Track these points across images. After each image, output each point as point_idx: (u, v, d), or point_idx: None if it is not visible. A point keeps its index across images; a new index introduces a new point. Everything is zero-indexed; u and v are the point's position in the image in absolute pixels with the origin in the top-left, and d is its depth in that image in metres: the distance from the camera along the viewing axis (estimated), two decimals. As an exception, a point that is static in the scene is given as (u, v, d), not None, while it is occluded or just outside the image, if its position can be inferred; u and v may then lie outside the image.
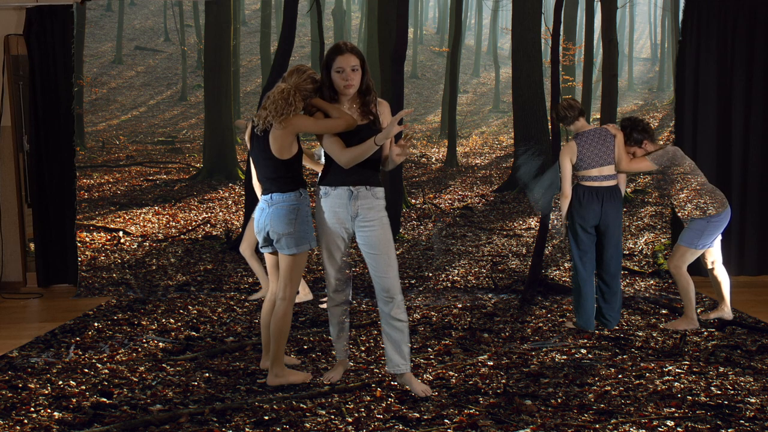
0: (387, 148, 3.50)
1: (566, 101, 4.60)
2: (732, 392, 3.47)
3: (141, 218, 6.45)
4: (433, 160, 6.72)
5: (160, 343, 4.47)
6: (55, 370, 3.97)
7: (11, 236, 6.29)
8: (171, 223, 6.48)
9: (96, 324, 4.95)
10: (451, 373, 3.83)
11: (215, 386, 3.68)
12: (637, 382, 3.64)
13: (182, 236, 6.42)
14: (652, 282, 5.90)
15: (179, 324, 4.94)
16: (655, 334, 4.51)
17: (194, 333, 4.71)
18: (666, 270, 5.88)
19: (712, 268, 4.75)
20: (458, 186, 6.59)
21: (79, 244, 6.22)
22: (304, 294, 5.49)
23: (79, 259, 6.19)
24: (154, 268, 6.18)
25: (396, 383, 3.63)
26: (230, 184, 6.64)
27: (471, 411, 3.28)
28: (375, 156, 3.48)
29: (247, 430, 3.12)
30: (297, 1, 6.28)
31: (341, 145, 3.38)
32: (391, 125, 3.25)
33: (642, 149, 4.58)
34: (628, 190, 6.10)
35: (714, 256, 4.72)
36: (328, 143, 3.42)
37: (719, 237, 4.66)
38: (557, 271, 6.01)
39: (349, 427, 3.13)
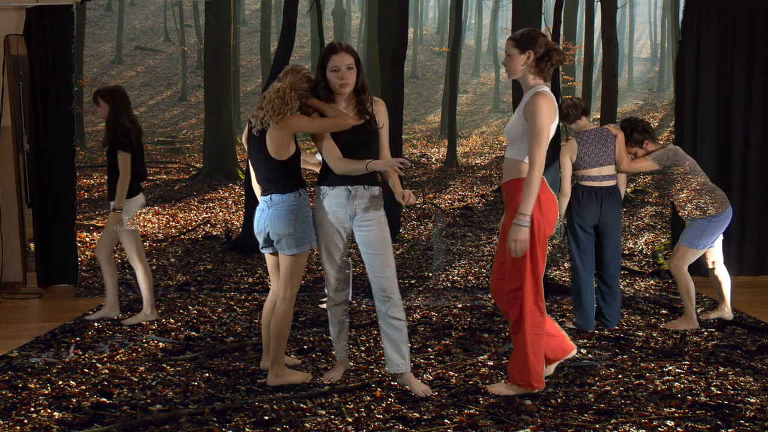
0: (385, 153, 3.53)
1: (571, 100, 4.61)
2: (732, 392, 3.47)
3: (141, 218, 6.45)
4: (433, 160, 6.72)
5: (160, 343, 4.47)
6: (55, 370, 3.97)
7: (11, 236, 6.29)
8: (171, 223, 6.48)
9: (96, 324, 4.95)
10: (451, 373, 3.83)
11: (215, 386, 3.68)
12: (637, 382, 3.64)
13: (182, 236, 6.42)
14: (652, 282, 5.90)
15: (179, 324, 4.94)
16: (655, 334, 4.51)
17: (194, 333, 4.71)
18: (666, 270, 5.88)
19: (713, 268, 4.75)
20: (458, 186, 6.59)
21: (79, 244, 6.21)
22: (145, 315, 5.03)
23: (79, 259, 6.19)
24: (154, 268, 6.18)
25: (396, 383, 3.63)
26: (230, 184, 6.64)
27: (471, 411, 3.28)
28: (373, 156, 3.49)
29: (247, 430, 3.12)
30: (297, 1, 6.27)
31: (338, 154, 3.40)
32: (387, 163, 3.31)
33: (643, 149, 4.59)
34: (628, 190, 6.10)
35: (715, 256, 4.72)
36: (326, 148, 3.42)
37: (720, 237, 4.66)
38: (557, 271, 6.01)
39: (349, 427, 3.13)
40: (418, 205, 6.46)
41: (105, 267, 5.02)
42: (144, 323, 4.95)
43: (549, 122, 3.26)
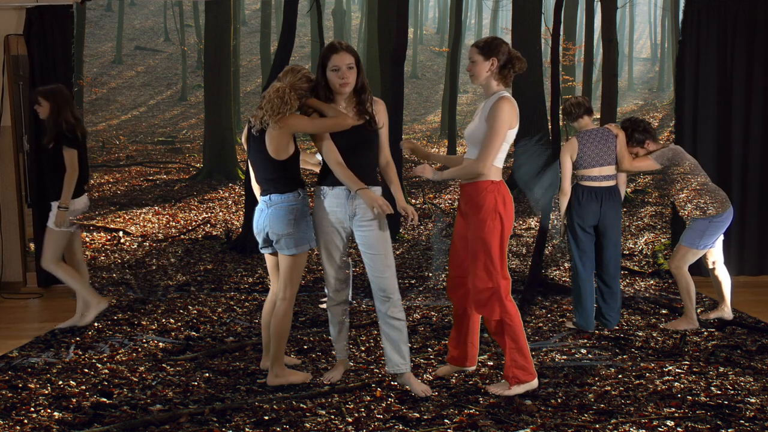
0: (385, 153, 3.54)
1: (576, 98, 4.62)
2: (732, 392, 3.47)
3: (141, 218, 6.45)
4: (433, 160, 6.72)
5: (160, 343, 4.47)
6: (55, 370, 3.97)
7: (11, 236, 6.28)
8: (171, 223, 6.49)
9: (96, 324, 4.95)
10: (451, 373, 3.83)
11: (215, 386, 3.68)
12: (637, 382, 3.64)
13: (182, 236, 6.42)
14: (652, 282, 5.90)
15: (179, 324, 4.94)
16: (655, 334, 4.51)
17: (194, 333, 4.71)
18: (666, 270, 5.88)
19: (714, 268, 4.75)
20: (458, 186, 6.60)
21: (79, 244, 6.21)
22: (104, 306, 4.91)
23: (79, 259, 6.19)
24: (154, 268, 6.18)
25: (396, 383, 3.63)
26: (230, 184, 6.64)
27: (471, 411, 3.28)
28: (373, 156, 3.50)
29: (247, 430, 3.12)
30: (297, 1, 6.28)
31: (337, 156, 3.40)
32: (371, 203, 3.32)
33: (644, 149, 4.59)
34: (628, 190, 6.10)
35: (715, 256, 4.72)
36: (325, 149, 3.42)
37: (721, 237, 4.66)
38: (557, 271, 6.01)
39: (349, 427, 3.13)
40: (418, 205, 6.47)
41: (78, 273, 4.88)
42: (145, 323, 4.95)
43: (508, 126, 3.37)
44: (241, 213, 6.43)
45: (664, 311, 5.12)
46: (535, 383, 3.51)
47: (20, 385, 3.71)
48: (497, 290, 3.41)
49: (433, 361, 4.05)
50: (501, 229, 3.41)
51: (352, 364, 3.97)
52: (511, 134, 3.42)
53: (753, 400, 3.36)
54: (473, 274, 3.47)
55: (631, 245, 6.19)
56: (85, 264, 4.97)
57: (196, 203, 6.53)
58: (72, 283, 4.82)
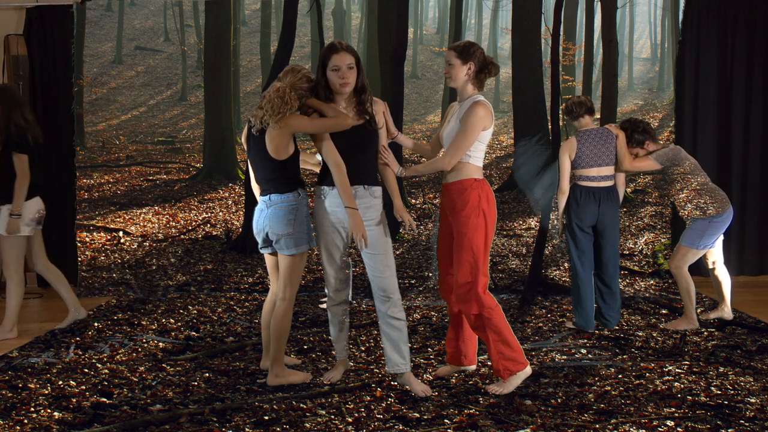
0: (383, 152, 3.54)
1: (578, 97, 4.64)
2: (732, 392, 3.47)
3: (141, 218, 6.45)
4: (433, 160, 6.72)
5: (160, 343, 4.47)
6: (55, 370, 3.97)
7: (11, 236, 6.28)
8: (171, 223, 6.48)
9: (96, 324, 4.95)
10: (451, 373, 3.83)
11: (215, 386, 3.68)
12: (637, 382, 3.65)
13: (182, 236, 6.42)
14: (652, 282, 5.90)
15: (179, 324, 4.94)
16: (655, 334, 4.51)
17: (194, 333, 4.71)
18: (666, 270, 5.88)
19: (713, 268, 4.76)
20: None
21: (79, 244, 6.21)
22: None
23: (79, 259, 6.19)
24: (154, 268, 6.18)
25: (396, 383, 3.63)
26: (230, 184, 6.64)
27: (471, 411, 3.29)
28: (373, 156, 3.50)
29: (247, 430, 3.12)
30: (297, 1, 6.28)
31: (337, 157, 3.40)
32: (353, 228, 3.35)
33: (644, 149, 4.59)
34: (628, 190, 6.09)
35: (715, 256, 4.72)
36: (326, 149, 3.42)
37: (721, 237, 4.66)
38: (557, 271, 6.01)
39: (349, 427, 3.13)
40: (418, 205, 6.47)
41: (48, 275, 4.82)
42: (145, 323, 4.94)
43: (481, 127, 3.43)
44: (241, 213, 6.43)
45: (664, 311, 5.12)
46: (528, 371, 3.53)
47: (20, 385, 3.71)
48: (474, 285, 3.44)
49: (433, 361, 4.05)
50: (485, 226, 3.45)
51: (352, 364, 3.97)
52: (485, 135, 3.48)
53: (753, 400, 3.36)
54: (456, 270, 3.50)
55: (631, 245, 6.19)
56: (52, 268, 4.83)
57: (196, 203, 6.53)
58: (12, 296, 4.67)
